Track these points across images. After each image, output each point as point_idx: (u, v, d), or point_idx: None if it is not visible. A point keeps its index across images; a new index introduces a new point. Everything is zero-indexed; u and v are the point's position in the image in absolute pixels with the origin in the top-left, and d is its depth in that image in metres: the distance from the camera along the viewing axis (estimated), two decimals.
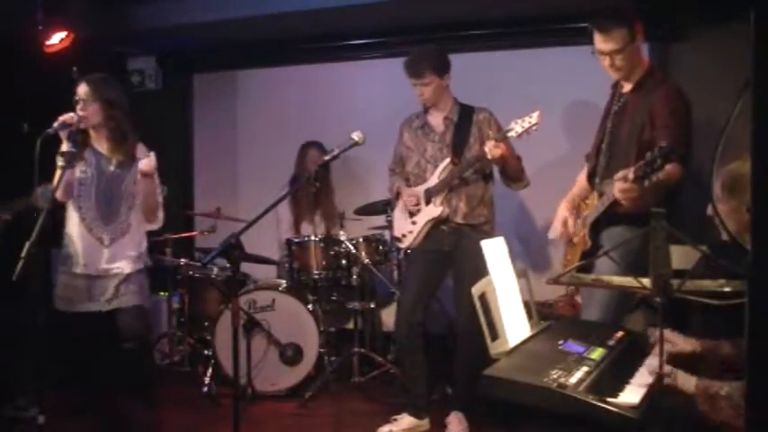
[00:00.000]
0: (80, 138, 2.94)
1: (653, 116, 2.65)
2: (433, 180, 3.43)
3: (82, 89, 2.96)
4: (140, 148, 3.08)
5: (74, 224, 3.01)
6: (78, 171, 2.98)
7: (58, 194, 2.90)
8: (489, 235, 3.44)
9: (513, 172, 3.36)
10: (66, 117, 2.86)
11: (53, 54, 4.18)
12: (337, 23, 4.70)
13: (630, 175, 2.36)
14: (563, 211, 3.00)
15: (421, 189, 3.47)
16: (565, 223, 2.95)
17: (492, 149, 3.15)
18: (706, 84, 3.83)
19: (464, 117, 3.44)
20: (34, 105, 3.75)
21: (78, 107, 2.94)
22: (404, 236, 3.53)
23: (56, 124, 2.83)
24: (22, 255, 2.53)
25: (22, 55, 4.06)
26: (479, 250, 3.47)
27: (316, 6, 4.31)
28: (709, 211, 2.01)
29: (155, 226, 3.12)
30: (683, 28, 4.24)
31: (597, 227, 2.77)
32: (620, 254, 2.23)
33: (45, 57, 4.16)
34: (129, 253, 3.02)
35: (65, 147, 2.87)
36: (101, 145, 3.04)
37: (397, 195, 3.59)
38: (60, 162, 2.84)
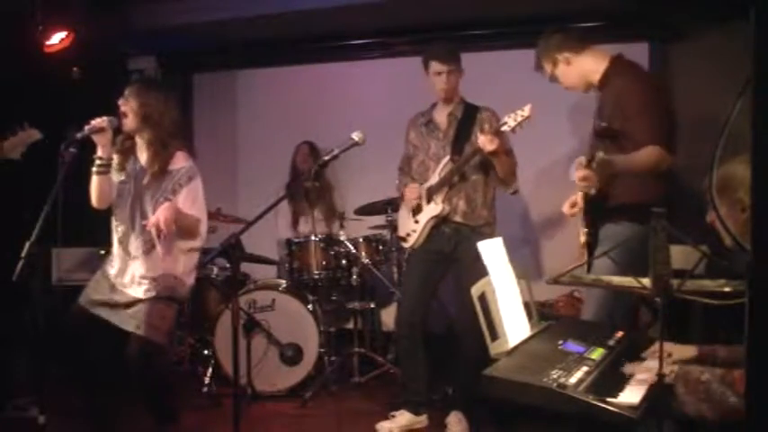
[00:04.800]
0: (127, 144, 2.91)
1: (621, 107, 2.70)
2: (434, 178, 3.44)
3: (126, 92, 2.88)
4: (179, 157, 2.91)
5: (113, 229, 2.92)
6: (118, 180, 2.91)
7: (93, 201, 2.89)
8: (489, 237, 3.45)
9: (503, 172, 3.35)
10: (98, 122, 2.77)
11: (53, 54, 4.18)
12: (337, 23, 4.69)
13: (583, 160, 2.52)
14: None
15: (423, 186, 3.48)
16: (573, 204, 2.94)
17: (486, 144, 3.17)
18: (706, 84, 3.84)
19: (468, 115, 3.46)
20: (34, 105, 3.76)
21: (120, 110, 2.87)
22: (408, 235, 3.54)
23: (87, 128, 2.76)
24: (22, 255, 2.53)
25: (22, 55, 4.06)
26: (476, 251, 3.46)
27: (316, 6, 4.31)
28: (709, 218, 2.01)
29: (196, 243, 2.91)
30: (683, 28, 4.24)
31: (594, 220, 2.80)
32: (618, 253, 2.25)
33: (45, 57, 4.16)
34: (157, 273, 2.82)
35: (99, 152, 2.82)
36: (142, 154, 2.93)
37: (402, 193, 3.60)
38: (94, 168, 2.83)
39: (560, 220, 3.98)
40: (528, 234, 4.61)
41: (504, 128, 3.18)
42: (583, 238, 2.86)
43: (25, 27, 4.02)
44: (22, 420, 3.46)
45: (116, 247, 2.91)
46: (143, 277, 2.83)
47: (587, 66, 2.88)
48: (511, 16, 4.48)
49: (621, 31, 4.23)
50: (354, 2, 4.27)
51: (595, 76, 2.85)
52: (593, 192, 2.70)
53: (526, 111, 3.16)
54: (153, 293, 2.81)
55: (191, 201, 2.89)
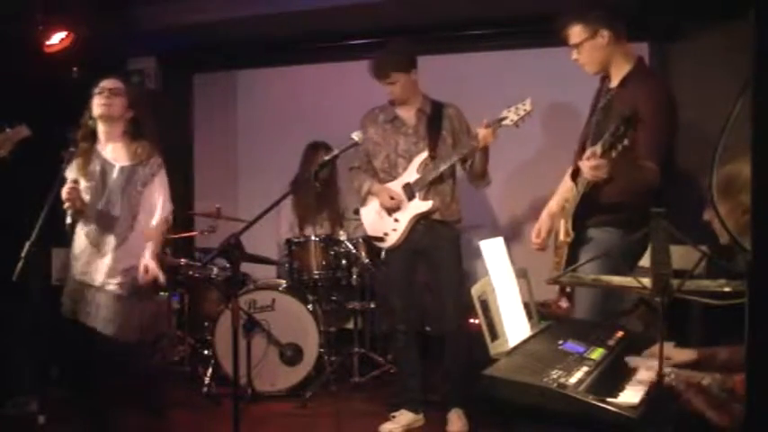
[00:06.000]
0: (85, 146, 2.92)
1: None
2: (411, 174, 3.43)
3: (109, 82, 2.95)
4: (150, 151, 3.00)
5: (79, 229, 2.94)
6: (83, 182, 2.91)
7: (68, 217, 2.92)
8: (460, 232, 3.48)
9: (483, 167, 3.40)
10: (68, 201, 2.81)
11: (53, 54, 4.18)
12: (337, 23, 4.69)
13: (598, 150, 2.38)
14: (541, 220, 2.94)
15: (397, 185, 3.46)
16: (538, 234, 2.91)
17: (488, 137, 3.18)
18: (706, 84, 3.83)
19: (435, 111, 3.47)
20: (34, 105, 3.75)
21: (103, 96, 2.91)
22: (386, 234, 3.50)
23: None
24: (22, 255, 2.53)
25: (23, 55, 4.06)
26: (454, 247, 3.47)
27: (316, 6, 4.31)
28: (707, 215, 2.00)
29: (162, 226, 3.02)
30: (683, 28, 4.24)
31: (581, 223, 2.71)
32: (602, 261, 2.29)
33: (45, 57, 4.16)
34: (129, 265, 2.87)
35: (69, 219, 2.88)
36: (107, 145, 2.94)
37: (368, 194, 3.55)
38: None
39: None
40: (527, 234, 4.60)
41: (506, 122, 3.17)
42: (565, 238, 2.76)
43: (25, 27, 4.01)
44: (21, 420, 3.46)
45: (84, 246, 2.90)
46: (115, 271, 2.85)
47: (617, 57, 2.74)
48: (511, 16, 4.47)
49: None
50: (354, 2, 4.27)
51: (616, 71, 2.74)
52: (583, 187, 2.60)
53: (527, 105, 3.16)
54: (125, 290, 2.85)
55: (164, 188, 3.01)
